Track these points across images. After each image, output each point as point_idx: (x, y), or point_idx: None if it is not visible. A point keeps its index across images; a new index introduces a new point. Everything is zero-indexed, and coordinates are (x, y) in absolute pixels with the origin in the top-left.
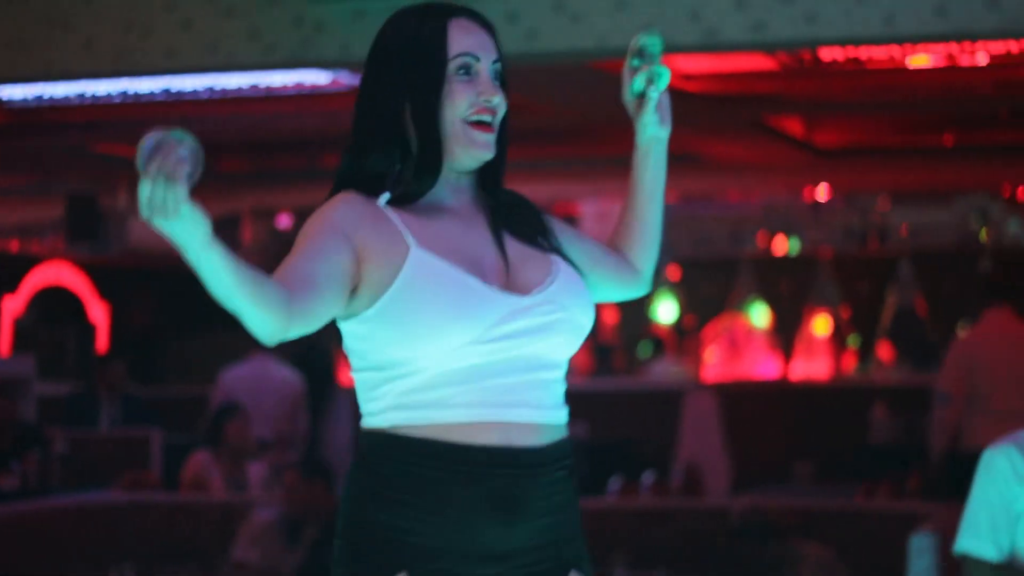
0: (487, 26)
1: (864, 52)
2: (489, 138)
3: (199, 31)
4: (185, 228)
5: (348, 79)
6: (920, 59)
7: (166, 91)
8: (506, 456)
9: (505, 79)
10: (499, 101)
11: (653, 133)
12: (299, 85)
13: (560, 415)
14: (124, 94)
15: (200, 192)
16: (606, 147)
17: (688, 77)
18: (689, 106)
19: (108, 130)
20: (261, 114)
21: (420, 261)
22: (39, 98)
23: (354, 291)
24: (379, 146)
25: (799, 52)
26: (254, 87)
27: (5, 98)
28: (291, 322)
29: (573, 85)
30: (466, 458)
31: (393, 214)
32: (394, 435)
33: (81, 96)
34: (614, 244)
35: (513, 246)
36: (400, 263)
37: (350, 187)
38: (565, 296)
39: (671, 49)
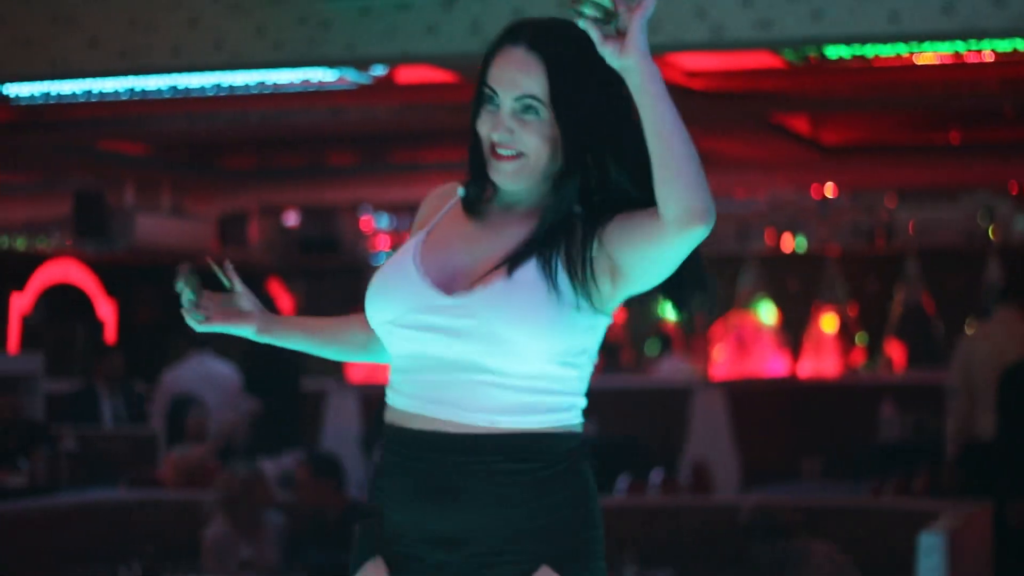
0: (545, 57)
1: (870, 50)
2: (505, 166)
3: (205, 28)
4: (227, 329)
5: (354, 76)
6: (926, 57)
7: (172, 88)
8: (432, 440)
9: (560, 111)
10: (502, 138)
11: (614, 66)
12: (306, 82)
13: (497, 420)
14: (131, 91)
15: (206, 189)
16: None
17: (694, 74)
18: (695, 104)
19: (115, 127)
20: (268, 111)
21: (406, 246)
22: (46, 95)
23: None
24: (471, 144)
25: (805, 50)
26: (261, 84)
27: (12, 95)
28: (375, 352)
29: None
30: (403, 441)
31: (451, 205)
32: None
33: (88, 93)
34: None
35: (498, 259)
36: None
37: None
38: (486, 306)
39: (678, 46)
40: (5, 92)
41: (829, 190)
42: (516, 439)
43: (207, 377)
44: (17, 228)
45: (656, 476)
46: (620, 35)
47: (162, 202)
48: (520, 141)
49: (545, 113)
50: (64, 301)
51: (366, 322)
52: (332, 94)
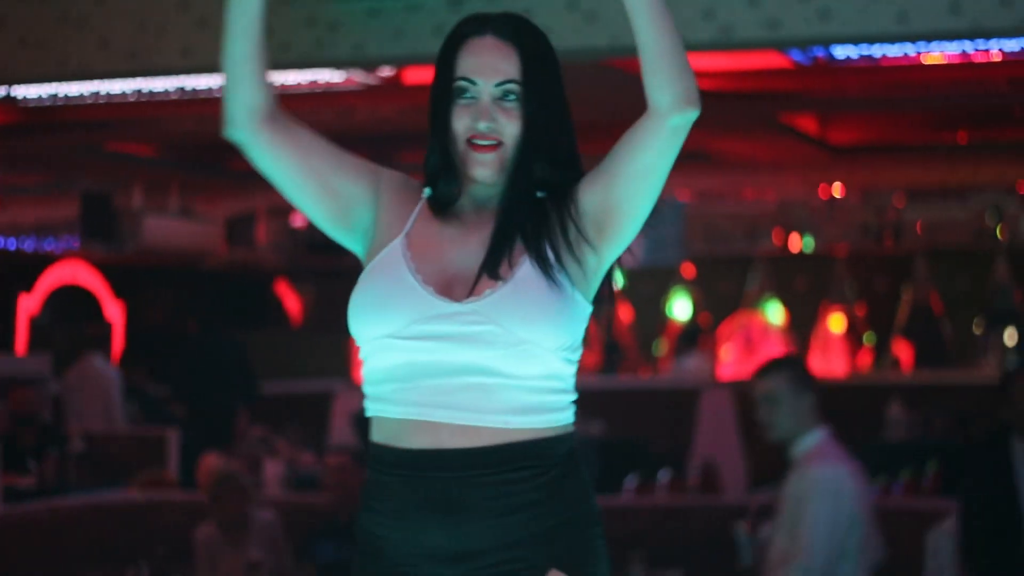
0: (516, 43)
1: (878, 50)
2: (484, 157)
3: (214, 30)
4: None
5: (362, 77)
6: (934, 56)
7: (180, 90)
8: (435, 458)
9: (530, 95)
10: (487, 127)
11: None
12: (313, 83)
13: (510, 420)
14: (139, 93)
15: (214, 191)
16: None
17: (702, 75)
18: (703, 104)
19: (123, 129)
20: None
21: (391, 252)
22: (54, 97)
23: (352, 234)
24: (430, 146)
25: (813, 50)
26: None
27: (20, 97)
28: (252, 123)
29: (588, 83)
30: (401, 461)
31: (420, 207)
32: (371, 440)
33: (96, 95)
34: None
35: (492, 259)
36: (384, 246)
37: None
38: (501, 310)
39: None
40: (13, 94)
41: (837, 190)
42: (522, 445)
43: (89, 377)
44: (25, 229)
45: (664, 476)
46: None
47: (170, 203)
48: (501, 130)
49: (520, 98)
50: (72, 303)
51: (274, 100)
52: (340, 95)
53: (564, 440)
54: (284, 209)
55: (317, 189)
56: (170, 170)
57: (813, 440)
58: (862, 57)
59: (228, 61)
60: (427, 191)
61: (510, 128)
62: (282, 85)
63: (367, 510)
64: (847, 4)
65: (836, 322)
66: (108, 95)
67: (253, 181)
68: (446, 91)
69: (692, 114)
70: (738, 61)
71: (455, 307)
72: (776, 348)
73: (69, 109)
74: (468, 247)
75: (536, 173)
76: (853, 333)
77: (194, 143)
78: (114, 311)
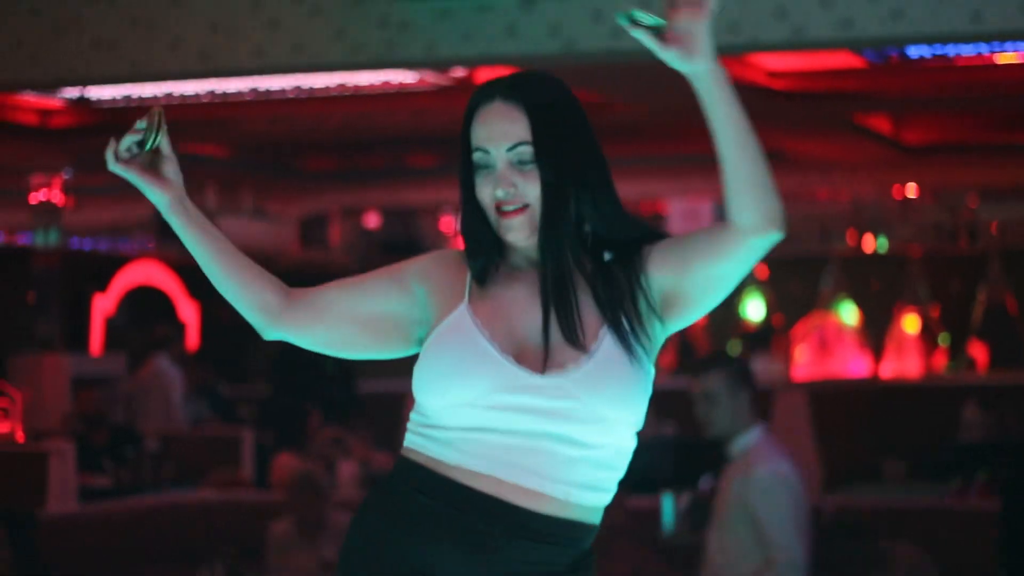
0: (523, 103)
1: (952, 49)
2: (512, 222)
3: (286, 31)
4: (140, 184)
5: (434, 78)
6: (1008, 56)
7: (253, 91)
8: (495, 506)
9: (544, 151)
10: (506, 193)
11: (678, 69)
12: (385, 84)
13: (572, 493)
14: (211, 93)
15: (287, 191)
16: (692, 145)
17: (775, 75)
18: (776, 104)
19: (196, 130)
20: (348, 113)
21: (459, 318)
22: (127, 98)
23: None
24: (462, 218)
25: (886, 50)
26: (340, 86)
27: (93, 98)
28: (272, 324)
29: (659, 83)
30: (451, 492)
31: (471, 276)
32: (406, 457)
33: (168, 96)
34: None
35: (564, 324)
36: (448, 315)
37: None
38: (586, 387)
39: (758, 47)
40: (87, 95)
41: (911, 190)
42: (574, 525)
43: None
44: (101, 230)
45: None
46: (683, 38)
47: (243, 204)
48: (523, 193)
49: (534, 158)
50: (147, 303)
51: (279, 285)
52: (412, 96)
53: (599, 522)
54: (357, 209)
55: (370, 332)
56: (242, 170)
57: (752, 438)
58: (936, 56)
59: (223, 292)
60: (469, 261)
61: (531, 190)
62: (355, 86)
63: (393, 530)
64: (920, 4)
65: (910, 323)
66: (181, 96)
67: (326, 182)
68: (466, 165)
69: (775, 237)
70: (811, 61)
71: (539, 380)
72: (850, 349)
73: (142, 110)
74: (534, 310)
75: (586, 228)
76: (928, 334)
77: (266, 143)
78: (188, 311)
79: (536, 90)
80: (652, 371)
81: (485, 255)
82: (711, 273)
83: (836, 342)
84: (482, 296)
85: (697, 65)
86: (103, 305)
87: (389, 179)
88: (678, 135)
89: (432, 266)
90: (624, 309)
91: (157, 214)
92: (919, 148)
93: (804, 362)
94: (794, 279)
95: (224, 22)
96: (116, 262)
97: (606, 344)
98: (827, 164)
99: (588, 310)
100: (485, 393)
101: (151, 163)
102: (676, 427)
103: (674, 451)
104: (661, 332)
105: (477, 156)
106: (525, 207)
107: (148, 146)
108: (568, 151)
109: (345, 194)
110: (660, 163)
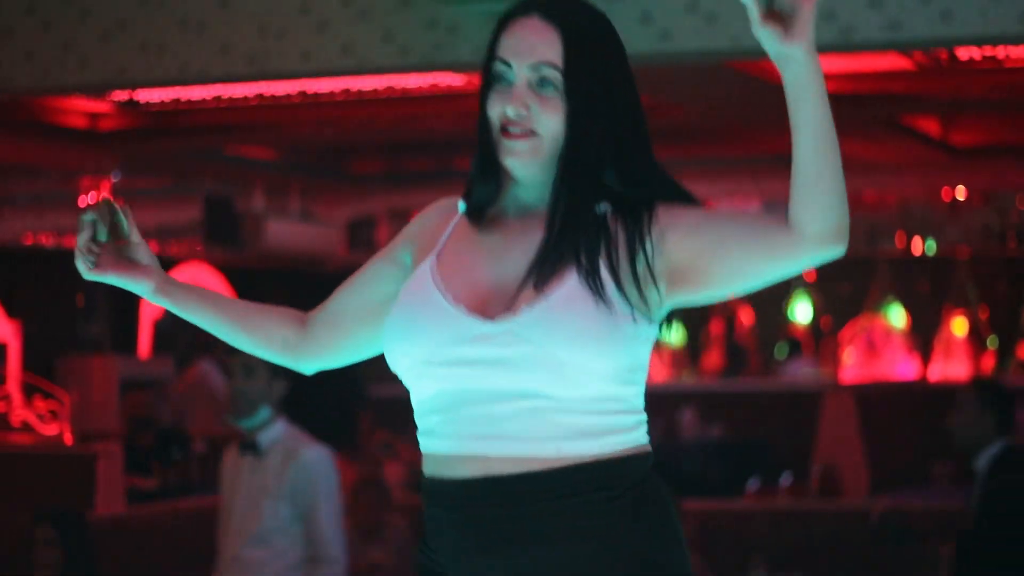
0: (561, 25)
1: (1001, 51)
2: (514, 145)
3: (334, 33)
4: (121, 282)
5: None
6: None
7: (301, 93)
8: (486, 487)
9: (574, 85)
10: (516, 113)
11: (771, 51)
12: (433, 87)
13: (563, 447)
14: (260, 96)
15: (335, 194)
16: (740, 148)
17: (823, 77)
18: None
19: (244, 132)
20: (396, 116)
21: (421, 272)
22: (176, 101)
23: None
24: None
25: (935, 51)
26: (389, 89)
27: (142, 101)
28: (300, 356)
29: (707, 85)
30: (450, 492)
31: (455, 222)
32: (422, 474)
33: (217, 99)
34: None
35: (539, 268)
36: (414, 271)
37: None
38: (536, 329)
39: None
40: (135, 98)
41: (959, 192)
42: (584, 468)
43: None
44: (148, 232)
45: (785, 480)
46: (784, 19)
47: (291, 207)
48: (536, 119)
49: (561, 87)
50: None
51: (292, 317)
52: (460, 98)
53: (636, 461)
54: (404, 211)
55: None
56: (290, 173)
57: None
58: (985, 58)
59: (240, 346)
60: (461, 204)
61: (545, 119)
62: (403, 89)
63: (424, 548)
64: (969, 5)
65: (958, 325)
66: (229, 99)
67: (373, 184)
68: (488, 76)
69: (836, 252)
70: (859, 63)
71: (487, 327)
72: (898, 352)
73: (191, 113)
74: (509, 257)
75: (604, 182)
76: (976, 336)
77: (314, 146)
78: None
79: (581, 17)
80: (642, 321)
81: (485, 186)
82: (749, 267)
83: (884, 344)
84: (457, 246)
85: (793, 49)
86: (151, 308)
87: (436, 182)
88: (725, 138)
89: (417, 226)
90: (608, 259)
91: (204, 216)
92: (968, 150)
93: (852, 364)
94: (842, 281)
95: (272, 24)
96: (164, 264)
97: (569, 285)
98: (875, 166)
99: (568, 258)
100: (436, 348)
101: (124, 255)
102: (724, 430)
103: (719, 454)
104: (656, 299)
105: (497, 67)
106: (532, 133)
107: (105, 237)
108: (599, 87)
109: (393, 197)
110: (706, 165)
